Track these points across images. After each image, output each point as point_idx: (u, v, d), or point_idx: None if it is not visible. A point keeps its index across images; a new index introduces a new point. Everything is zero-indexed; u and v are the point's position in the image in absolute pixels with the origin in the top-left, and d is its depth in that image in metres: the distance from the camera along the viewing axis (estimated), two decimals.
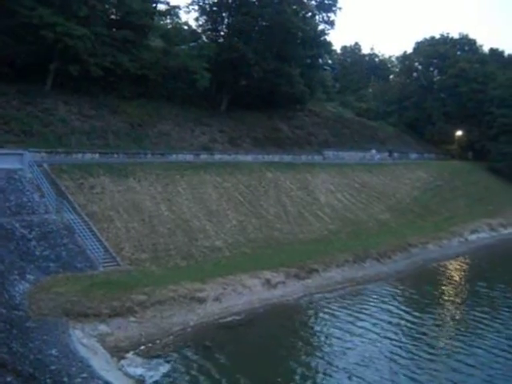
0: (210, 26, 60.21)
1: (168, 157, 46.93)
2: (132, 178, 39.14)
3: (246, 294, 30.64)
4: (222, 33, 60.56)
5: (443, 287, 37.87)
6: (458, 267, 44.56)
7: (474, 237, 54.49)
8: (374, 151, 76.71)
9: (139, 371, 21.18)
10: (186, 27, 58.43)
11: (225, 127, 56.08)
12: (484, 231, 57.26)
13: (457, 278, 40.99)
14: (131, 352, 22.73)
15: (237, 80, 59.35)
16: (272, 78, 58.57)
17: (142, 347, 23.34)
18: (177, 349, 23.63)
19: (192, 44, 57.85)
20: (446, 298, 35.47)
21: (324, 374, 22.16)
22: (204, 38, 60.65)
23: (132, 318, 25.15)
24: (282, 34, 57.90)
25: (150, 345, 23.66)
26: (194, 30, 59.83)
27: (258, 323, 27.69)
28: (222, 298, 29.34)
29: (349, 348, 25.05)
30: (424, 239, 48.41)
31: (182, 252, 34.05)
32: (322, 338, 26.47)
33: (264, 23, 59.16)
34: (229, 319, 27.57)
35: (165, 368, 21.61)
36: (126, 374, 20.88)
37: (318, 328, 28.17)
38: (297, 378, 21.86)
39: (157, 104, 51.84)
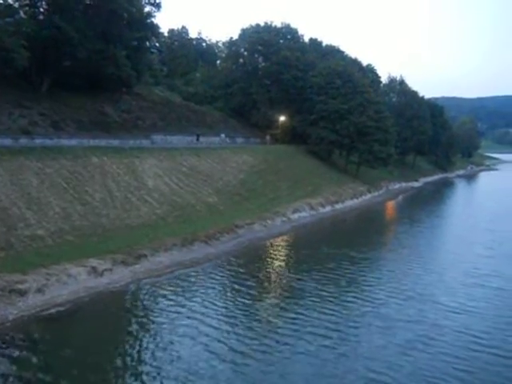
0: (27, 1, 56.37)
1: None
2: None
3: (71, 283, 29.97)
4: (41, 9, 57.08)
5: (266, 264, 40.37)
6: (280, 244, 47.69)
7: (295, 216, 58.29)
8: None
9: None
10: (0, 1, 54.19)
11: (46, 110, 53.18)
12: (305, 210, 61.41)
13: (279, 255, 43.82)
14: None
15: (59, 60, 56.48)
16: (97, 59, 56.77)
17: None
18: None
19: (8, 19, 53.75)
20: (270, 273, 37.79)
21: (148, 366, 22.13)
22: (22, 13, 56.66)
23: None
24: (106, 14, 56.22)
25: None
26: (10, 5, 55.59)
27: (83, 313, 27.32)
28: (45, 289, 28.43)
29: (173, 334, 25.66)
30: (250, 220, 50.71)
31: None
32: (149, 326, 26.68)
33: (88, 2, 56.99)
34: (52, 311, 26.85)
35: None
36: None
37: (144, 315, 28.32)
38: (118, 371, 21.74)
39: None
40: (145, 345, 24.19)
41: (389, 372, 22.12)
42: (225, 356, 23.10)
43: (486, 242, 50.50)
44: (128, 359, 22.70)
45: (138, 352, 23.43)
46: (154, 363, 22.21)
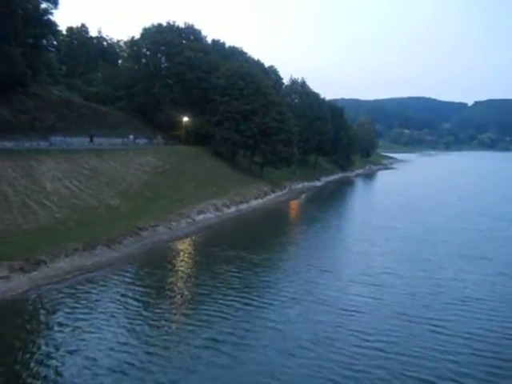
0: None
1: None
2: None
3: None
4: None
5: (169, 267, 40.18)
6: (185, 246, 47.67)
7: (200, 217, 58.29)
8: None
9: None
10: None
11: None
12: (210, 211, 61.55)
13: (182, 258, 43.88)
14: None
15: None
16: None
17: None
18: None
19: None
20: (172, 278, 37.71)
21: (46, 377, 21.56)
22: None
23: None
24: None
25: None
26: None
27: None
28: None
29: (73, 341, 25.05)
30: (154, 222, 50.22)
31: None
32: (40, 336, 25.87)
33: None
34: None
35: None
36: None
37: (43, 323, 27.53)
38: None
39: None
40: (30, 357, 23.24)
41: (280, 376, 22.49)
42: (113, 369, 22.46)
43: (379, 240, 52.49)
44: (9, 372, 21.90)
45: (19, 365, 22.59)
46: (30, 379, 21.41)
